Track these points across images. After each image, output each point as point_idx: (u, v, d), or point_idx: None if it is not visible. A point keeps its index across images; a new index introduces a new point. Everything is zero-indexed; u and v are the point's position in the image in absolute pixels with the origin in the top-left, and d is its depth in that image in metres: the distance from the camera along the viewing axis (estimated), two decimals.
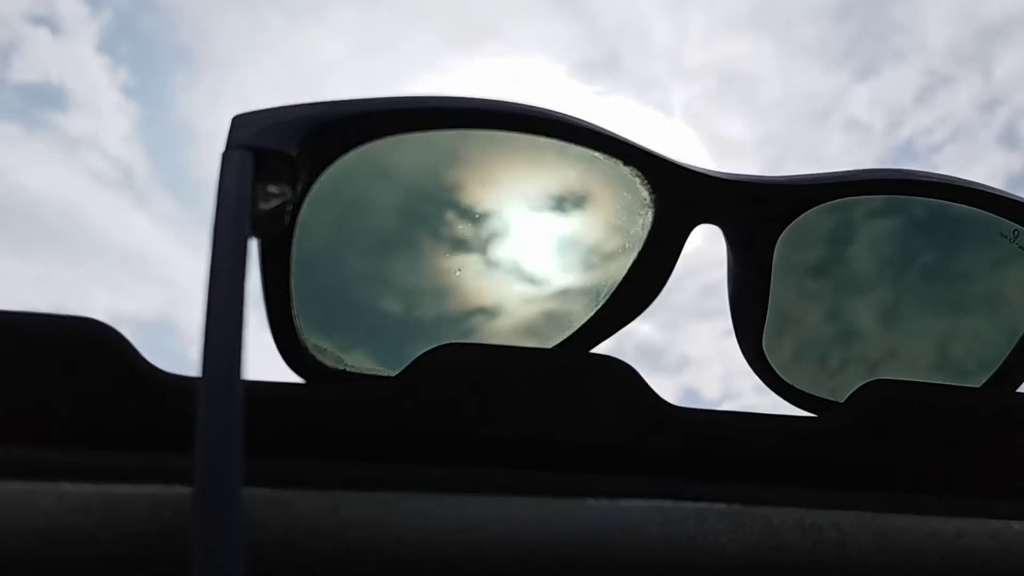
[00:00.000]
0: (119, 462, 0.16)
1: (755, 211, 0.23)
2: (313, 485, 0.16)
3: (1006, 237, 0.25)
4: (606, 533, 0.16)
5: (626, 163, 0.22)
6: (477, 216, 0.21)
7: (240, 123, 0.18)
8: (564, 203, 0.22)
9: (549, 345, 0.23)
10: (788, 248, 0.23)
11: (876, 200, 0.24)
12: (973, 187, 0.24)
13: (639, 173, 0.22)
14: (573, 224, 0.22)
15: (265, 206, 0.17)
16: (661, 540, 0.16)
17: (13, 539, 0.14)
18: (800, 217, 0.23)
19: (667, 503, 0.17)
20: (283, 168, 0.17)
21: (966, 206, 0.24)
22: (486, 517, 0.16)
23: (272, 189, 0.17)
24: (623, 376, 0.23)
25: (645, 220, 0.22)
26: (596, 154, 0.21)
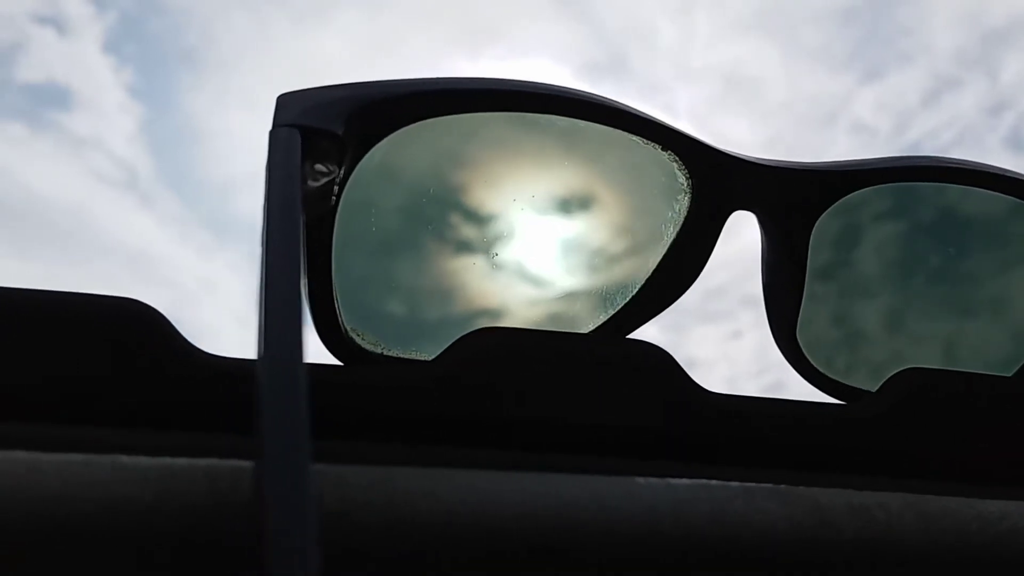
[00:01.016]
0: (172, 439, 0.16)
1: (791, 197, 0.23)
2: (365, 461, 0.16)
3: None
4: (656, 509, 0.16)
5: (664, 148, 0.22)
6: (516, 199, 0.21)
7: (285, 102, 0.18)
8: (603, 186, 0.22)
9: (586, 330, 0.23)
10: (824, 235, 0.23)
11: (916, 187, 0.24)
12: (1007, 175, 0.24)
13: (676, 158, 0.22)
14: (612, 208, 0.22)
15: (314, 184, 0.17)
16: (710, 517, 0.16)
17: (71, 510, 0.14)
18: (837, 203, 0.23)
19: (715, 483, 0.17)
20: (330, 147, 0.17)
21: (1000, 193, 0.24)
22: (537, 492, 0.16)
23: (320, 168, 0.17)
24: (660, 361, 0.23)
25: (682, 205, 0.22)
26: (635, 138, 0.21)
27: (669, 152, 0.22)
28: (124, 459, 0.14)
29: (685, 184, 0.22)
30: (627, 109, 0.21)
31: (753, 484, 0.17)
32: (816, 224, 0.23)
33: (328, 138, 0.17)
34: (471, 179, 0.21)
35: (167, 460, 0.14)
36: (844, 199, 0.23)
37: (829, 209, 0.23)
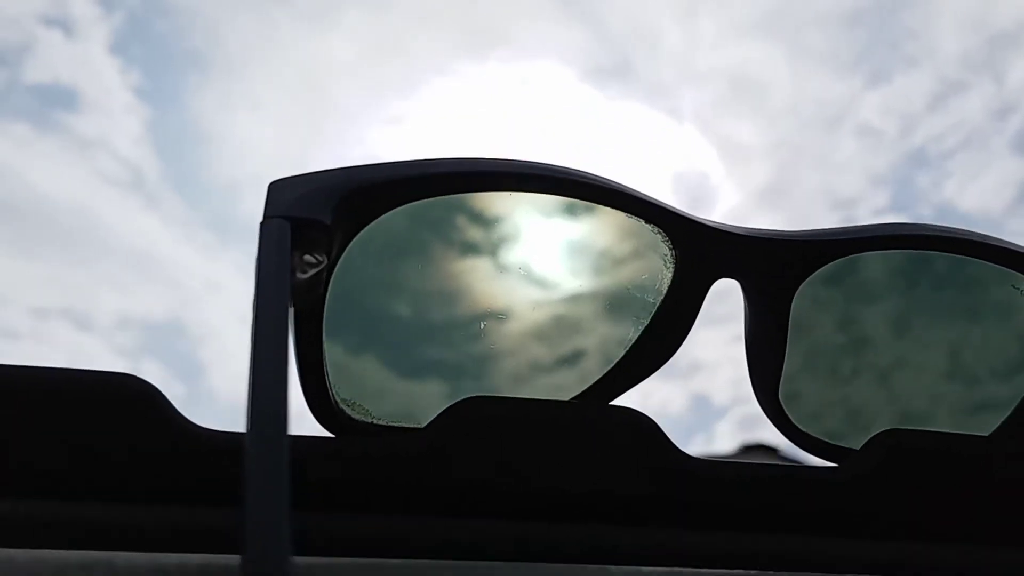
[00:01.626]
0: (165, 521, 0.16)
1: (772, 266, 0.23)
2: (349, 544, 0.17)
3: (1018, 289, 0.25)
4: None
5: (648, 221, 0.22)
6: (501, 273, 0.22)
7: (277, 189, 0.18)
8: (588, 259, 0.23)
9: (570, 396, 0.24)
10: (805, 301, 0.24)
11: (891, 255, 0.24)
12: (986, 241, 0.24)
13: (660, 231, 0.22)
14: (596, 279, 0.23)
15: (302, 276, 0.18)
16: None
17: None
18: (817, 272, 0.24)
19: (687, 571, 0.18)
20: (319, 236, 0.18)
21: (978, 259, 0.25)
22: None
23: (309, 258, 0.18)
24: (643, 428, 0.23)
25: (666, 275, 0.23)
26: (619, 213, 0.22)
27: (653, 225, 0.22)
28: (119, 562, 0.15)
29: (669, 255, 0.23)
30: (611, 186, 0.22)
31: (723, 572, 0.18)
32: (797, 292, 0.24)
33: (317, 228, 0.18)
34: (458, 257, 0.21)
35: (161, 557, 0.15)
36: (824, 268, 0.24)
37: (810, 277, 0.24)
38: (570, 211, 0.22)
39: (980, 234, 0.25)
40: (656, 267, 0.23)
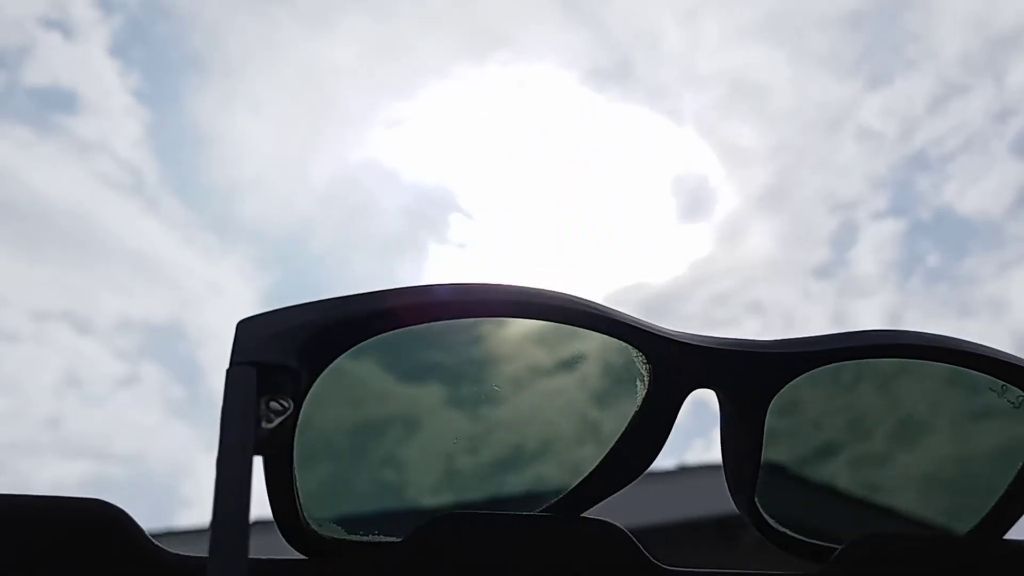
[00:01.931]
0: None
1: (746, 378, 0.23)
2: None
3: (994, 391, 0.25)
4: None
5: (623, 339, 0.22)
6: (472, 393, 0.22)
7: (243, 333, 0.18)
8: (561, 377, 0.23)
9: (546, 507, 0.24)
10: (780, 410, 0.24)
11: (864, 364, 0.24)
12: (959, 347, 0.25)
13: (636, 349, 0.22)
14: (571, 395, 0.23)
15: (268, 425, 0.18)
16: None
17: None
18: (791, 382, 0.24)
19: None
20: (285, 379, 0.18)
21: (950, 365, 0.25)
22: None
23: (275, 405, 0.18)
24: (617, 540, 0.24)
25: (641, 390, 0.23)
26: (593, 333, 0.22)
27: (627, 343, 0.22)
28: None
29: (644, 371, 0.23)
30: (578, 307, 0.22)
31: None
32: (772, 400, 0.24)
33: (283, 372, 0.18)
34: (428, 383, 0.21)
35: None
36: (799, 377, 0.24)
37: (784, 388, 0.24)
38: (539, 332, 0.22)
39: (952, 339, 0.25)
40: (630, 380, 0.23)
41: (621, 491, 0.24)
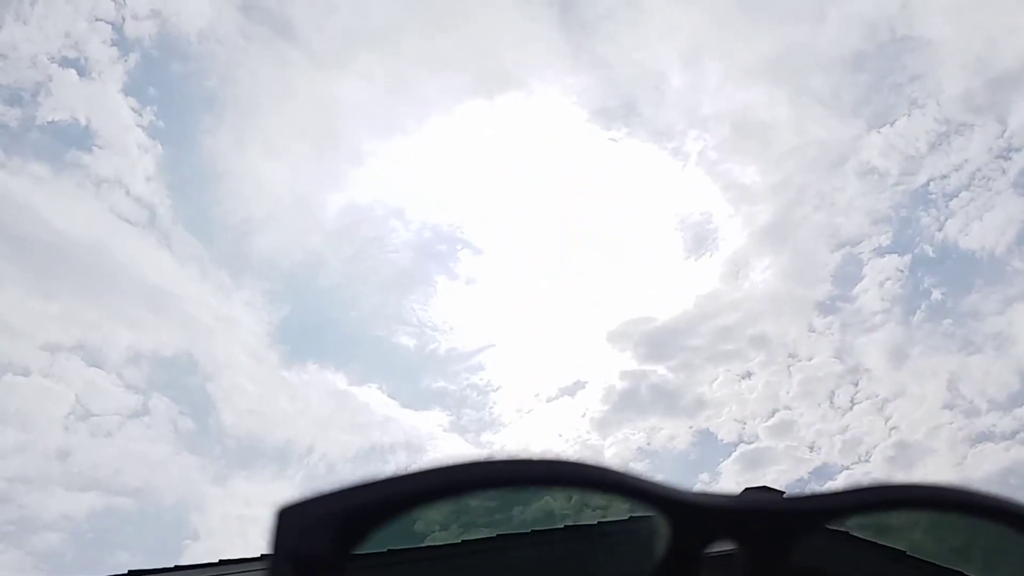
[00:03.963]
0: None
1: (765, 532, 0.24)
2: None
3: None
4: None
5: (643, 501, 0.23)
6: (502, 564, 0.23)
7: (283, 521, 0.19)
8: (588, 538, 0.24)
9: None
10: (798, 559, 0.25)
11: (878, 516, 0.25)
12: (974, 500, 0.25)
13: (658, 510, 0.23)
14: (597, 557, 0.24)
15: None
16: None
17: None
18: (810, 533, 0.24)
19: None
20: (323, 571, 0.19)
21: (968, 515, 0.25)
22: None
23: None
24: None
25: (664, 546, 0.24)
26: (616, 496, 0.23)
27: (649, 505, 0.23)
28: None
29: (667, 531, 0.24)
30: (603, 475, 0.22)
31: None
32: (792, 550, 0.24)
33: (322, 564, 0.19)
34: (459, 556, 0.22)
35: None
36: (817, 530, 0.24)
37: (801, 539, 0.24)
38: (571, 497, 0.23)
39: (967, 490, 0.25)
40: (655, 540, 0.24)
41: None
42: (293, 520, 0.19)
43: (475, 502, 0.22)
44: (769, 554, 0.24)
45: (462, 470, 0.21)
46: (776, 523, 0.24)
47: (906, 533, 0.26)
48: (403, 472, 0.21)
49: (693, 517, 0.23)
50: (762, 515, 0.24)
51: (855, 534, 0.27)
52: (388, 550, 0.22)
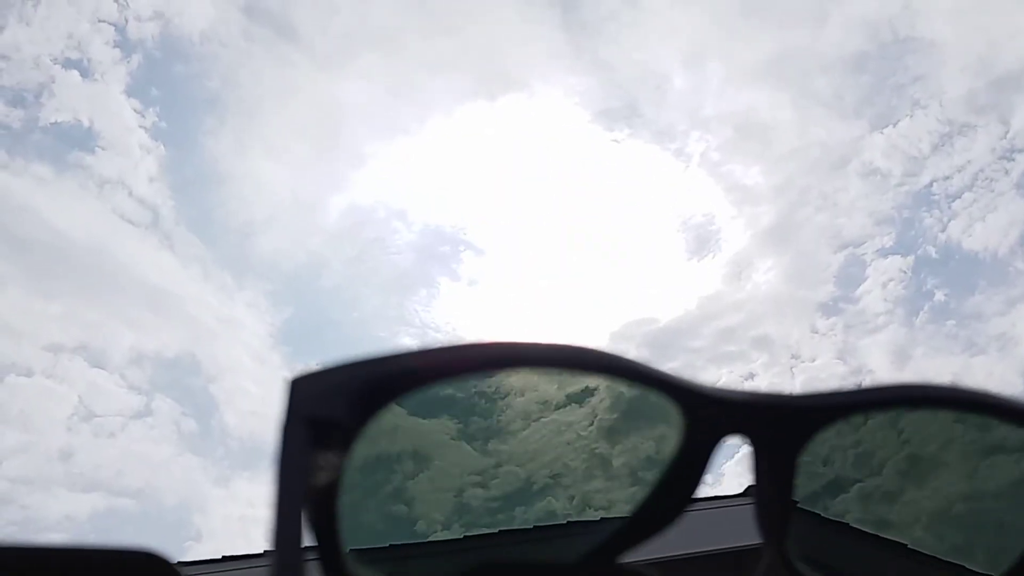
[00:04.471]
0: None
1: (778, 428, 0.24)
2: None
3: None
4: None
5: (660, 392, 0.23)
6: (512, 442, 0.22)
7: (297, 389, 0.19)
8: (600, 427, 0.23)
9: (581, 555, 0.24)
10: (811, 457, 0.24)
11: (892, 414, 0.25)
12: (988, 399, 0.25)
13: (671, 400, 0.23)
14: (609, 445, 0.24)
15: (319, 480, 0.18)
16: None
17: None
18: (822, 431, 0.24)
19: None
20: (337, 435, 0.19)
21: (980, 415, 0.25)
22: None
23: (326, 459, 0.19)
24: None
25: (677, 437, 0.23)
26: (627, 383, 0.23)
27: (664, 394, 0.23)
28: None
29: (680, 421, 0.23)
30: (619, 363, 0.22)
31: None
32: (803, 448, 0.24)
33: (335, 427, 0.19)
34: (470, 433, 0.22)
35: None
36: (829, 427, 0.24)
37: (815, 435, 0.24)
38: (582, 383, 0.22)
39: (979, 390, 0.25)
40: (668, 430, 0.23)
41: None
42: (308, 388, 0.19)
43: (488, 385, 0.22)
44: (781, 450, 0.24)
45: (482, 348, 0.21)
46: (790, 418, 0.24)
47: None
48: (420, 348, 0.21)
49: (707, 408, 0.23)
50: (776, 410, 0.24)
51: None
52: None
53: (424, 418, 0.21)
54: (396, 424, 0.21)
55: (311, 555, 0.20)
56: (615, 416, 0.23)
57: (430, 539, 0.23)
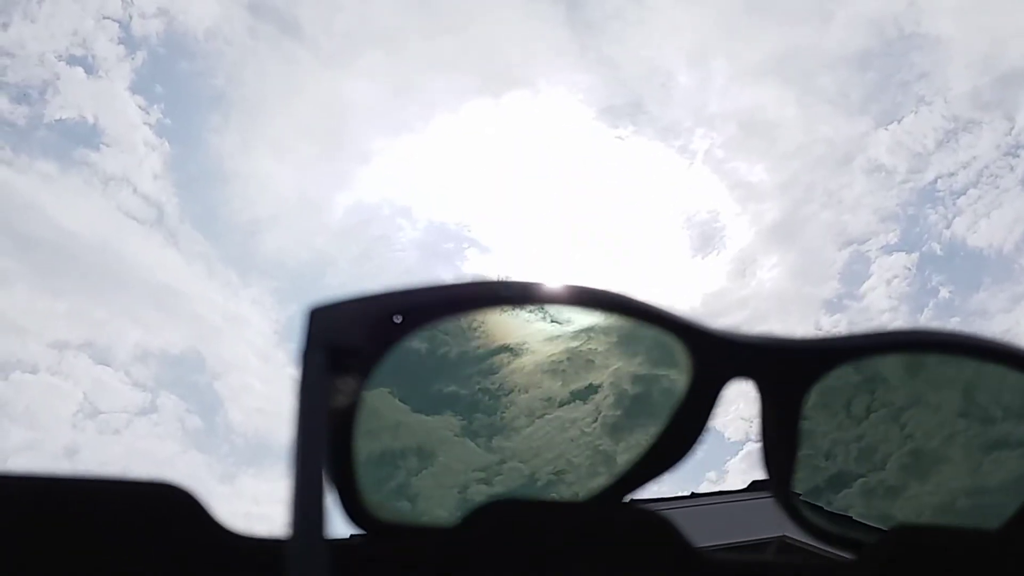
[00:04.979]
0: None
1: (784, 369, 0.24)
2: None
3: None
4: None
5: (666, 330, 0.23)
6: (523, 382, 0.23)
7: (317, 318, 0.20)
8: (608, 365, 0.24)
9: (589, 494, 0.25)
10: (816, 401, 0.25)
11: (898, 358, 0.25)
12: (990, 344, 0.25)
13: (679, 339, 0.23)
14: (617, 384, 0.24)
15: (339, 403, 0.19)
16: None
17: None
18: (827, 374, 0.25)
19: None
20: (355, 363, 0.19)
21: (984, 361, 0.26)
22: None
23: (345, 384, 0.19)
24: (657, 525, 0.24)
25: (684, 379, 0.24)
26: (639, 323, 0.23)
27: (672, 334, 0.23)
28: None
29: (687, 361, 0.24)
30: (629, 302, 0.23)
31: None
32: (809, 392, 0.25)
33: (355, 355, 0.19)
34: (484, 369, 0.23)
35: None
36: (834, 370, 0.25)
37: (821, 379, 0.25)
38: (593, 322, 0.23)
39: (982, 336, 0.26)
40: (675, 371, 0.24)
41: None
42: (327, 316, 0.20)
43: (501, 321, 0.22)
44: (787, 392, 0.25)
45: (495, 285, 0.22)
46: (797, 360, 0.24)
47: (926, 377, 0.26)
48: (434, 282, 0.21)
49: (714, 348, 0.24)
50: (783, 352, 0.24)
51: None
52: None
53: (441, 354, 0.22)
54: (414, 358, 0.21)
55: (328, 479, 0.21)
56: (621, 355, 0.24)
57: (440, 478, 0.23)
